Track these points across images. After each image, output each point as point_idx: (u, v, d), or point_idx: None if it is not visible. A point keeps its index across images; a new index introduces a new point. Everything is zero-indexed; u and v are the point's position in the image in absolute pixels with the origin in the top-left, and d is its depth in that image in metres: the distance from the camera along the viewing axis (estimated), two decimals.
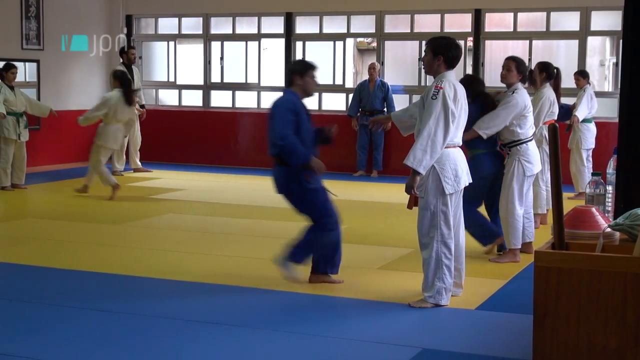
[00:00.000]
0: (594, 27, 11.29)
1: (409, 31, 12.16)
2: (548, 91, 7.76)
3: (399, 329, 4.84)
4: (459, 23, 11.92)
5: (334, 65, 12.53)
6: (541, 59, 8.62)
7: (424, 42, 5.47)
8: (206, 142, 13.14)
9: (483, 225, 6.52)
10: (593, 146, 9.79)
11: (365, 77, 12.09)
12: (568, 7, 11.35)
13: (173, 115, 13.49)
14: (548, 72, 7.85)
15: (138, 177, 11.60)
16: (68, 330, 4.74)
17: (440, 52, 5.13)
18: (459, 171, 5.12)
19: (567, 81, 9.29)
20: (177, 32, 13.50)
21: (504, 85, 6.55)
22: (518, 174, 6.37)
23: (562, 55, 11.71)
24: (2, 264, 6.34)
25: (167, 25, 13.58)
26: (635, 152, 4.00)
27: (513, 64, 6.43)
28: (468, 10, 11.74)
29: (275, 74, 12.89)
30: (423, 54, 5.33)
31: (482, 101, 6.45)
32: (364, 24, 12.54)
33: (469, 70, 11.75)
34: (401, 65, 12.65)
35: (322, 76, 12.68)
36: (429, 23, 12.05)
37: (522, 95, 6.37)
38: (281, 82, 12.77)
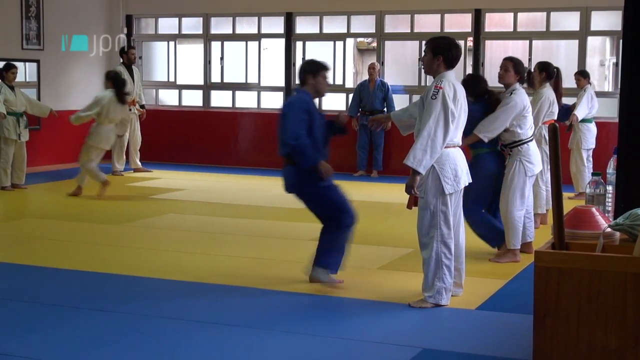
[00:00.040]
0: (594, 27, 11.29)
1: (409, 31, 12.16)
2: (548, 91, 7.76)
3: (399, 329, 4.84)
4: (459, 23, 11.92)
5: (334, 65, 12.51)
6: (541, 59, 8.61)
7: (424, 42, 5.47)
8: (206, 142, 13.14)
9: (492, 226, 6.51)
10: (593, 146, 9.79)
11: (365, 77, 12.10)
12: (568, 7, 11.35)
13: (173, 115, 13.49)
14: (548, 72, 7.85)
15: (138, 177, 11.60)
16: (68, 330, 4.74)
17: (440, 52, 5.13)
18: (458, 171, 5.12)
19: (568, 81, 9.29)
20: (177, 32, 13.50)
21: (502, 85, 6.55)
22: (519, 174, 6.37)
23: (562, 55, 11.72)
24: (2, 264, 6.34)
25: (167, 25, 13.59)
26: (636, 152, 4.00)
27: (510, 65, 6.43)
28: (468, 10, 11.74)
29: (275, 74, 12.89)
30: (423, 54, 5.33)
31: (485, 100, 6.45)
32: (364, 24, 12.54)
33: (469, 70, 11.75)
34: (401, 65, 12.65)
35: None
36: (429, 23, 12.05)
37: (521, 96, 6.37)
38: (281, 82, 12.80)
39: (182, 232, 7.73)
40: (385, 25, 12.25)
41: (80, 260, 6.51)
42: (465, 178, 5.20)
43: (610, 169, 4.23)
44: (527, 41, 11.57)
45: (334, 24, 12.59)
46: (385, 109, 11.69)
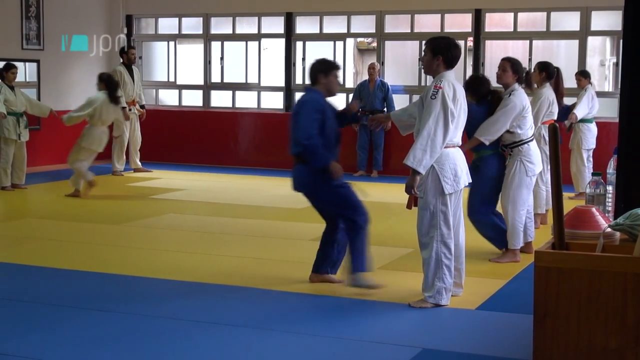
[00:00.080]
0: (594, 27, 11.29)
1: (409, 31, 12.16)
2: (547, 91, 7.76)
3: (399, 329, 4.84)
4: (459, 23, 11.92)
5: None
6: (541, 59, 8.61)
7: (424, 42, 5.47)
8: (206, 142, 13.14)
9: (499, 228, 6.50)
10: (594, 146, 9.79)
11: (365, 77, 12.09)
12: (568, 7, 11.35)
13: (173, 115, 13.49)
14: (548, 72, 7.85)
15: (138, 177, 11.60)
16: (68, 330, 4.74)
17: (440, 52, 5.13)
18: (458, 171, 5.12)
19: (568, 81, 9.28)
20: (177, 32, 13.50)
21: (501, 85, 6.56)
22: (520, 174, 6.38)
23: (563, 55, 11.72)
24: (2, 264, 6.34)
25: (167, 25, 13.59)
26: (636, 152, 4.00)
27: (508, 65, 6.43)
28: (468, 10, 11.74)
29: (275, 74, 12.89)
30: (422, 54, 5.33)
31: (489, 102, 6.43)
32: (364, 24, 12.54)
33: (469, 70, 11.75)
34: (401, 65, 12.65)
35: None
36: (429, 23, 12.05)
37: (520, 97, 6.37)
38: (281, 82, 12.80)
39: (182, 232, 7.73)
40: (385, 25, 12.25)
41: (80, 260, 6.51)
42: (465, 178, 5.19)
43: (611, 169, 4.23)
44: (528, 41, 11.57)
45: (334, 24, 12.59)
46: (385, 109, 11.68)
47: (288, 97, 12.77)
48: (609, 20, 11.31)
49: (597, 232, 3.62)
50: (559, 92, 8.04)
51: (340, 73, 5.62)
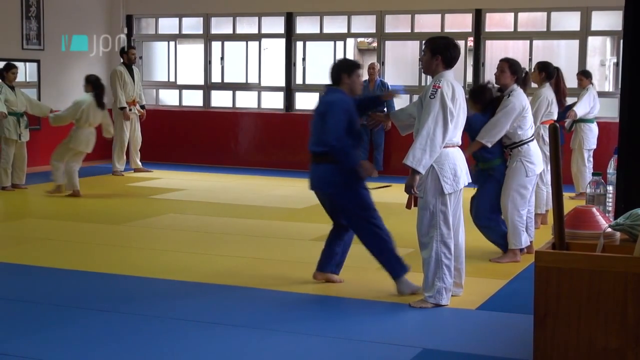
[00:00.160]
0: (594, 27, 11.28)
1: (409, 31, 12.16)
2: (547, 91, 7.76)
3: (399, 329, 4.84)
4: (460, 23, 11.91)
5: None
6: (542, 59, 8.61)
7: (423, 42, 5.48)
8: (206, 142, 13.14)
9: (505, 234, 6.50)
10: (595, 146, 9.79)
11: (365, 77, 12.08)
12: (568, 7, 11.34)
13: (173, 116, 13.49)
14: (547, 72, 7.85)
15: (138, 177, 11.60)
16: (68, 330, 4.74)
17: (439, 52, 5.13)
18: (458, 171, 5.11)
19: (569, 81, 9.28)
20: (177, 32, 13.49)
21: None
22: (520, 174, 6.37)
23: (563, 55, 11.71)
24: (2, 264, 6.34)
25: (168, 25, 13.58)
26: (636, 152, 4.00)
27: (506, 65, 6.44)
28: (468, 10, 11.73)
29: (275, 74, 12.89)
30: (422, 53, 5.33)
31: (493, 110, 6.42)
32: (365, 24, 12.53)
33: (470, 71, 11.75)
34: (401, 65, 12.65)
35: (323, 76, 12.75)
36: (429, 23, 12.05)
37: (519, 97, 6.37)
38: (282, 82, 12.79)
39: (182, 232, 7.73)
40: (385, 25, 12.24)
41: (80, 260, 6.51)
42: (465, 178, 5.19)
43: (611, 169, 4.22)
44: (528, 41, 11.56)
45: (335, 24, 12.59)
46: (385, 109, 11.67)
47: (288, 97, 12.77)
48: (609, 20, 11.31)
49: (598, 232, 3.62)
50: (561, 91, 8.03)
51: (361, 72, 5.62)
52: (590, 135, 9.74)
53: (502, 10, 11.75)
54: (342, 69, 5.53)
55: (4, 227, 8.06)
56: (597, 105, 9.77)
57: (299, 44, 12.74)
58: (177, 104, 13.65)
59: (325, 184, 5.50)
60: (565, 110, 8.87)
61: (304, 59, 12.71)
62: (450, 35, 5.54)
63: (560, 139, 8.91)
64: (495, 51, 11.69)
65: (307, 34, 12.72)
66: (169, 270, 6.19)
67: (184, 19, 13.43)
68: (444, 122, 4.97)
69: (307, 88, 12.77)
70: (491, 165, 6.46)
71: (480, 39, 11.69)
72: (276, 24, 12.81)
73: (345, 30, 12.53)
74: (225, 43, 13.21)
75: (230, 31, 13.16)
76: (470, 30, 11.74)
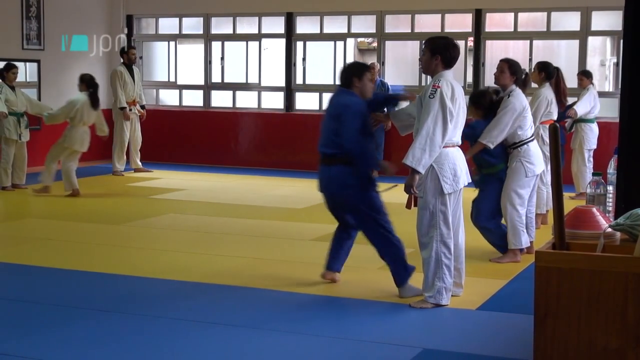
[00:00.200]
0: (594, 27, 11.28)
1: (409, 31, 12.16)
2: (546, 91, 7.76)
3: (399, 329, 4.84)
4: (460, 23, 11.91)
5: (335, 66, 12.52)
6: (542, 59, 8.62)
7: (424, 42, 5.48)
8: (207, 142, 13.14)
9: (505, 236, 6.49)
10: (595, 146, 9.79)
11: None
12: (569, 7, 11.34)
13: (174, 116, 13.49)
14: (547, 72, 7.85)
15: (138, 177, 11.60)
16: (68, 330, 4.73)
17: (438, 51, 5.13)
18: (457, 171, 5.11)
19: (569, 81, 9.28)
20: (177, 32, 13.49)
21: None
22: (519, 174, 6.37)
23: (563, 55, 11.71)
24: (2, 264, 6.34)
25: (168, 25, 13.58)
26: (636, 152, 4.00)
27: (506, 66, 6.44)
28: (468, 10, 11.73)
29: (275, 74, 12.88)
30: (421, 53, 5.33)
31: (494, 114, 6.41)
32: (365, 24, 12.53)
33: (470, 71, 11.75)
34: (402, 65, 12.65)
35: (323, 76, 12.77)
36: (429, 23, 12.04)
37: (518, 97, 6.38)
38: (282, 82, 12.79)
39: (182, 232, 7.73)
40: (385, 25, 12.24)
41: (80, 260, 6.51)
42: (465, 178, 5.19)
43: (611, 169, 4.22)
44: (528, 41, 11.56)
45: (335, 24, 12.58)
46: (385, 109, 11.65)
47: (288, 97, 12.77)
48: (609, 20, 11.31)
49: (598, 232, 3.62)
50: (561, 91, 8.02)
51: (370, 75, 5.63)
52: (591, 135, 9.75)
53: (502, 10, 11.75)
54: (353, 72, 5.52)
55: (4, 227, 8.06)
56: (597, 105, 9.77)
57: (299, 44, 12.74)
58: (177, 104, 13.65)
59: (338, 186, 5.46)
60: (565, 109, 8.87)
61: (304, 59, 12.71)
62: (451, 35, 5.54)
63: (562, 139, 8.96)
64: (495, 51, 11.69)
65: (307, 34, 12.72)
66: (169, 270, 6.19)
67: (184, 19, 13.43)
68: (444, 121, 4.97)
69: (307, 88, 12.77)
70: (496, 170, 6.47)
71: (481, 39, 11.69)
72: (276, 24, 12.81)
73: (345, 30, 12.53)
74: (226, 43, 13.21)
75: (231, 31, 13.16)
76: (470, 30, 11.74)
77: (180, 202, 9.53)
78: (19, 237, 7.51)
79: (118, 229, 7.87)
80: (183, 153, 13.21)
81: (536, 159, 6.46)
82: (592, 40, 11.52)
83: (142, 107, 12.17)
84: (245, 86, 13.15)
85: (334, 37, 12.55)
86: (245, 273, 6.13)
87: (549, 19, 11.45)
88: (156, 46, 13.85)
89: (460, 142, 5.23)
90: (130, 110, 11.86)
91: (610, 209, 4.13)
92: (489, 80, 11.23)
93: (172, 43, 13.53)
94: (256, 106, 13.08)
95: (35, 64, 12.14)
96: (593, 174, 4.14)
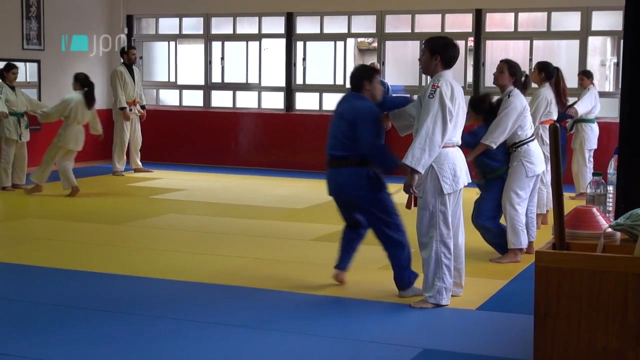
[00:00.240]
0: (594, 27, 11.28)
1: (409, 31, 12.16)
2: (546, 91, 7.77)
3: (399, 329, 4.84)
4: (460, 23, 11.91)
5: (335, 65, 12.53)
6: (542, 59, 8.61)
7: (423, 42, 5.48)
8: (207, 142, 13.14)
9: (504, 235, 6.50)
10: (595, 146, 9.79)
11: None
12: (569, 7, 11.34)
13: (174, 116, 13.48)
14: (547, 72, 7.85)
15: (139, 177, 11.60)
16: (68, 331, 4.73)
17: (437, 52, 5.13)
18: (457, 171, 5.11)
19: (570, 81, 9.28)
20: (177, 32, 13.49)
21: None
22: (520, 174, 6.38)
23: (563, 55, 11.71)
24: (2, 264, 6.34)
25: (168, 25, 13.58)
26: (636, 152, 4.00)
27: (505, 67, 6.45)
28: (469, 10, 11.73)
29: (276, 74, 12.88)
30: (421, 53, 5.33)
31: (494, 117, 6.41)
32: (365, 24, 12.53)
33: (470, 71, 11.75)
34: (402, 65, 12.65)
35: (323, 76, 12.77)
36: (429, 23, 12.04)
37: (518, 97, 6.39)
38: (282, 83, 12.79)
39: (182, 232, 7.73)
40: (385, 26, 12.24)
41: (80, 260, 6.51)
42: (465, 178, 5.18)
43: (611, 169, 4.22)
44: (528, 41, 11.56)
45: (335, 24, 12.58)
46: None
47: (289, 97, 12.77)
48: (609, 20, 11.31)
49: (598, 232, 3.62)
50: (561, 91, 8.02)
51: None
52: (592, 135, 9.75)
53: (503, 10, 11.75)
54: (364, 76, 5.51)
55: (4, 227, 8.06)
56: (598, 106, 9.77)
57: (299, 44, 12.74)
58: (178, 104, 13.65)
59: (350, 188, 5.41)
60: (566, 109, 8.87)
61: (304, 59, 12.71)
62: (451, 35, 5.55)
63: (562, 139, 8.96)
64: (495, 51, 11.69)
65: (307, 34, 12.72)
66: (169, 270, 6.18)
67: (184, 19, 13.43)
68: (443, 121, 4.97)
69: (307, 88, 12.77)
70: (499, 173, 6.48)
71: (481, 39, 11.69)
72: (276, 24, 12.80)
73: (345, 31, 12.53)
74: (226, 43, 13.21)
75: (231, 31, 13.16)
76: (470, 30, 11.74)
77: (180, 202, 9.52)
78: (19, 237, 7.51)
79: (118, 229, 7.87)
80: (183, 153, 13.21)
81: (537, 158, 6.46)
82: (592, 40, 11.52)
83: (142, 107, 12.17)
84: (245, 86, 13.15)
85: (334, 37, 12.55)
86: (245, 273, 6.13)
87: (549, 19, 11.45)
88: (156, 46, 13.85)
89: (460, 142, 5.23)
90: (131, 110, 11.85)
91: (611, 209, 4.13)
92: (489, 81, 11.24)
93: (172, 43, 13.53)
94: (256, 106, 13.08)
95: (35, 64, 12.14)
96: (593, 174, 4.14)
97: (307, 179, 11.43)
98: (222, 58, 13.21)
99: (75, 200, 9.45)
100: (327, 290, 5.61)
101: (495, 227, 6.50)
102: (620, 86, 5.18)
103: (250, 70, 13.04)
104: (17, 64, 10.56)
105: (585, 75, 9.90)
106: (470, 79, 11.74)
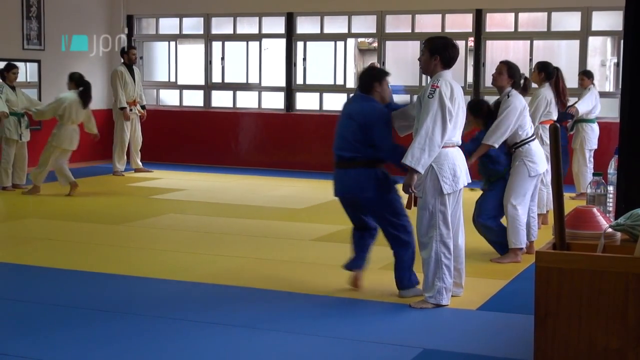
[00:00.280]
0: (595, 27, 11.28)
1: (409, 31, 12.16)
2: (546, 91, 7.77)
3: (399, 329, 4.84)
4: (460, 23, 11.91)
5: (335, 66, 12.53)
6: (542, 59, 8.61)
7: (423, 42, 5.48)
8: (207, 142, 13.14)
9: (504, 235, 6.50)
10: (595, 146, 9.80)
11: None
12: (569, 7, 11.34)
13: (174, 116, 13.48)
14: (547, 72, 7.85)
15: (139, 177, 11.60)
16: (68, 331, 4.73)
17: (437, 52, 5.13)
18: (457, 171, 5.11)
19: (570, 81, 9.28)
20: (178, 32, 13.49)
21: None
22: (522, 174, 6.38)
23: (563, 56, 11.70)
24: (2, 264, 6.34)
25: (168, 25, 13.58)
26: (637, 152, 3.99)
27: (505, 68, 6.45)
28: (469, 10, 11.73)
29: (276, 74, 12.88)
30: (420, 53, 5.34)
31: (494, 120, 6.41)
32: (365, 24, 12.53)
33: (470, 71, 11.74)
34: (402, 65, 12.64)
35: (323, 76, 12.77)
36: (429, 23, 12.04)
37: (517, 97, 6.41)
38: (282, 83, 12.79)
39: (182, 232, 7.72)
40: (386, 26, 12.24)
41: (81, 261, 6.51)
42: (465, 178, 5.18)
43: (612, 169, 4.22)
44: (528, 41, 11.56)
45: (335, 24, 12.58)
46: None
47: (289, 98, 12.76)
48: (609, 20, 11.30)
49: (598, 232, 3.61)
50: (561, 91, 8.03)
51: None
52: (592, 136, 9.75)
53: (503, 11, 11.74)
54: (374, 78, 5.49)
55: (4, 227, 8.06)
56: (598, 106, 9.78)
57: (300, 44, 12.74)
58: (178, 104, 13.65)
59: (358, 189, 5.38)
60: (566, 109, 8.87)
61: (304, 59, 12.71)
62: (451, 35, 5.55)
63: (563, 140, 8.96)
64: (495, 51, 11.69)
65: (307, 34, 12.72)
66: (169, 270, 6.18)
67: (185, 19, 13.43)
68: (443, 121, 4.97)
69: (307, 88, 12.77)
70: (502, 175, 6.48)
71: (481, 39, 11.68)
72: (277, 24, 12.80)
73: (345, 31, 12.53)
74: (226, 43, 13.21)
75: (231, 31, 13.16)
76: (470, 30, 11.74)
77: (180, 202, 9.52)
78: (19, 237, 7.51)
79: (118, 229, 7.87)
80: (183, 153, 13.20)
81: (539, 157, 6.46)
82: (592, 41, 11.51)
83: (143, 107, 12.17)
84: (245, 86, 13.15)
85: (335, 37, 12.55)
86: (245, 273, 6.12)
87: (549, 19, 11.45)
88: (156, 46, 13.85)
89: (460, 142, 5.23)
90: (131, 110, 11.85)
91: (611, 209, 4.13)
92: (489, 81, 11.19)
93: (172, 43, 13.53)
94: (256, 106, 13.08)
95: (35, 64, 12.14)
96: (593, 174, 4.14)
97: (307, 179, 11.44)
98: (223, 58, 13.21)
99: (75, 200, 9.45)
100: (327, 290, 5.60)
101: (496, 226, 6.50)
102: (620, 86, 5.18)
103: (250, 70, 13.04)
104: (18, 64, 10.56)
105: (585, 76, 9.90)
106: (470, 79, 11.73)
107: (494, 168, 6.48)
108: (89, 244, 7.19)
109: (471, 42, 11.82)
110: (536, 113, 7.57)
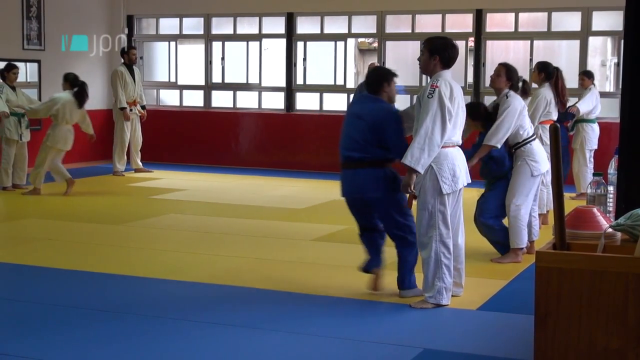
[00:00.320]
0: (595, 27, 11.28)
1: (410, 31, 12.16)
2: (545, 91, 7.77)
3: (399, 329, 4.84)
4: (460, 23, 11.91)
5: (335, 66, 12.53)
6: (542, 59, 8.61)
7: (422, 42, 5.48)
8: (207, 143, 13.14)
9: (506, 235, 6.50)
10: (596, 147, 9.80)
11: None
12: (569, 7, 11.34)
13: (174, 116, 13.48)
14: (547, 72, 7.86)
15: (139, 177, 11.60)
16: (68, 331, 4.73)
17: (436, 52, 5.13)
18: (457, 171, 5.11)
19: (571, 82, 9.28)
20: (178, 33, 13.49)
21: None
22: (525, 174, 6.39)
23: (564, 56, 11.71)
24: (2, 264, 6.34)
25: (168, 25, 13.58)
26: (637, 152, 3.99)
27: (503, 70, 6.46)
28: (469, 10, 11.73)
29: (276, 75, 12.88)
30: (420, 53, 5.34)
31: (493, 121, 6.41)
32: (365, 24, 12.53)
33: (471, 71, 11.74)
34: (402, 65, 12.62)
35: (323, 76, 12.77)
36: (430, 23, 12.04)
37: (516, 97, 6.42)
38: (282, 83, 12.79)
39: (182, 232, 7.72)
40: (386, 26, 12.24)
41: (81, 261, 6.50)
42: (464, 178, 5.18)
43: (612, 169, 4.22)
44: (528, 41, 11.56)
45: (335, 24, 12.58)
46: None
47: (289, 98, 12.77)
48: (610, 20, 11.30)
49: (598, 232, 3.61)
50: (561, 91, 8.03)
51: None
52: (592, 136, 9.76)
53: (503, 11, 11.75)
54: (383, 78, 5.49)
55: (4, 227, 8.06)
56: (598, 106, 9.78)
57: (300, 44, 12.74)
58: (178, 104, 13.65)
59: (367, 189, 5.35)
60: (567, 109, 8.87)
61: (304, 59, 12.71)
62: (451, 35, 5.55)
63: (564, 140, 8.96)
64: (495, 51, 11.69)
65: (307, 34, 12.72)
66: (168, 270, 6.18)
67: (185, 19, 13.43)
68: (442, 121, 4.97)
69: (307, 88, 12.77)
70: (504, 175, 6.48)
71: (481, 39, 11.68)
72: (277, 24, 12.80)
73: (345, 31, 12.53)
74: (226, 43, 13.21)
75: (231, 31, 13.16)
76: (471, 30, 11.74)
77: (180, 202, 9.52)
78: (19, 237, 7.51)
79: (118, 229, 7.87)
80: (183, 153, 13.21)
81: (540, 157, 6.47)
82: (592, 41, 11.51)
83: (143, 107, 12.17)
84: (245, 86, 13.15)
85: (335, 38, 12.55)
86: (245, 273, 6.12)
87: (549, 19, 11.45)
88: (157, 46, 13.85)
89: (460, 142, 5.23)
90: (131, 110, 11.86)
91: (611, 209, 4.13)
92: (489, 81, 11.23)
93: (172, 43, 13.53)
94: (257, 106, 13.08)
95: (35, 64, 12.14)
96: (594, 174, 4.14)
97: (307, 179, 11.44)
98: (223, 58, 13.22)
99: (75, 201, 9.45)
100: (327, 290, 5.60)
101: (498, 226, 6.50)
102: (620, 86, 5.19)
103: (250, 70, 13.04)
104: (18, 64, 10.56)
105: (586, 76, 9.91)
106: (470, 79, 11.73)
107: (497, 169, 6.48)
108: (89, 244, 7.19)
109: (471, 42, 11.82)
110: (536, 113, 7.58)
